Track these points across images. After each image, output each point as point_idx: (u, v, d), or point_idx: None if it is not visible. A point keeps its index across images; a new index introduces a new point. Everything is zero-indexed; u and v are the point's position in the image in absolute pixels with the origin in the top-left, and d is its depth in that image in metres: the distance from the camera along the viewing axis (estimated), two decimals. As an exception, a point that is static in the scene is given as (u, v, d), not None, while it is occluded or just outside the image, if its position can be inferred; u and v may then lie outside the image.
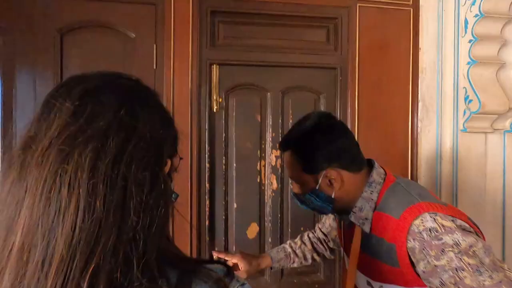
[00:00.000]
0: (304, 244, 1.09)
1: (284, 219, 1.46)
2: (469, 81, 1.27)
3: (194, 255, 1.36)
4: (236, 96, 1.43)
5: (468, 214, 0.75)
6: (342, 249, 0.95)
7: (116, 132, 0.36)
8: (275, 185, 1.45)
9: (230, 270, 0.43)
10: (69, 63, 1.30)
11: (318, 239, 1.10)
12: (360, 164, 0.79)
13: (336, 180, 0.76)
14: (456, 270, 0.65)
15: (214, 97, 1.40)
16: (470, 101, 1.27)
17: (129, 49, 1.33)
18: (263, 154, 1.45)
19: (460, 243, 0.66)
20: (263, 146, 1.45)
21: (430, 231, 0.67)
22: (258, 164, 1.45)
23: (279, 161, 1.46)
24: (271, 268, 1.07)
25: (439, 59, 1.38)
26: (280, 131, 1.45)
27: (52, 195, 0.33)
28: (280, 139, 1.45)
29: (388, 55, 1.48)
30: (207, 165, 1.39)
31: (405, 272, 0.70)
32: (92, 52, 1.31)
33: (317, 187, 0.76)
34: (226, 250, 1.43)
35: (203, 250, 1.39)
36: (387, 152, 1.47)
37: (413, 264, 0.69)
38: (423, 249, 0.67)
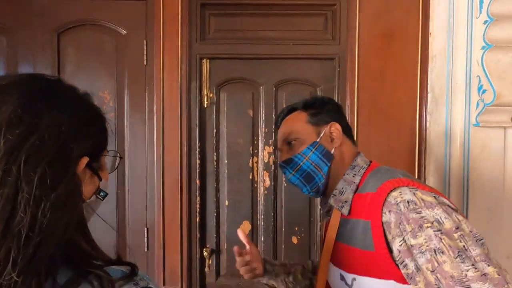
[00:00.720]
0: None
1: (278, 217, 1.41)
2: (483, 69, 1.12)
3: (185, 253, 1.36)
4: (227, 90, 1.40)
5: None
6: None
7: (12, 129, 0.36)
8: (267, 182, 1.40)
9: (133, 272, 0.42)
10: (66, 61, 1.35)
11: None
12: (354, 140, 0.82)
13: (338, 136, 0.76)
14: (435, 252, 0.56)
15: (205, 92, 1.37)
16: (484, 91, 1.12)
17: (120, 46, 1.35)
18: (255, 151, 1.40)
19: (442, 221, 0.58)
20: (255, 142, 1.40)
21: (408, 203, 0.61)
22: (251, 160, 1.40)
23: (272, 157, 1.40)
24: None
25: (450, 44, 1.23)
26: (273, 126, 1.39)
27: None
28: (273, 135, 1.39)
29: (393, 43, 1.35)
30: (197, 161, 1.37)
31: (380, 258, 0.63)
32: (86, 49, 1.35)
33: (318, 140, 0.76)
34: (217, 247, 1.41)
35: (193, 247, 1.38)
36: (390, 150, 1.34)
37: (389, 246, 0.62)
38: (400, 223, 0.60)
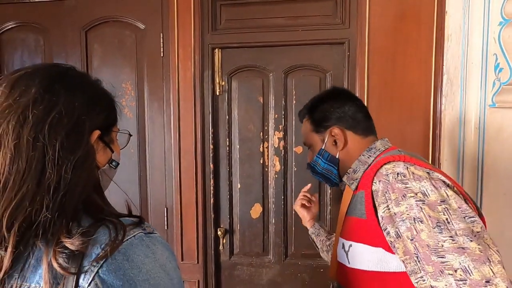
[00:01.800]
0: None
1: (288, 200, 1.45)
2: (500, 46, 1.06)
3: (200, 232, 1.46)
4: (238, 78, 1.45)
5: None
6: None
7: (37, 105, 0.45)
8: (278, 166, 1.45)
9: (141, 221, 0.50)
10: (93, 56, 1.49)
11: None
12: (366, 130, 0.81)
13: (340, 139, 0.79)
14: (414, 221, 0.58)
15: (217, 81, 1.44)
16: (501, 70, 1.07)
17: (139, 39, 1.46)
18: (266, 136, 1.45)
19: (428, 193, 0.59)
20: (265, 128, 1.45)
21: (397, 174, 0.63)
22: (261, 146, 1.45)
23: (282, 143, 1.44)
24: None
25: (465, 22, 1.17)
26: (283, 112, 1.43)
27: None
28: (282, 121, 1.43)
29: (405, 24, 1.31)
30: (211, 146, 1.45)
31: (370, 225, 0.66)
32: (110, 45, 1.47)
33: (323, 146, 0.82)
34: (230, 228, 1.49)
35: (208, 227, 1.47)
36: (402, 135, 1.32)
37: (376, 213, 0.65)
38: (386, 192, 0.63)
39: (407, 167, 0.63)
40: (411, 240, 0.58)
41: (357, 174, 0.76)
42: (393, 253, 0.63)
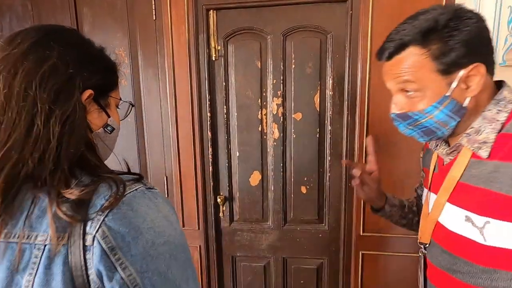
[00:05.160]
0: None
1: (287, 167, 1.44)
2: (516, -2, 0.97)
3: (200, 199, 1.47)
4: (235, 42, 1.39)
5: None
6: (427, 193, 0.76)
7: (28, 58, 0.46)
8: (276, 134, 1.42)
9: (141, 177, 0.51)
10: (83, 21, 1.43)
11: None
12: (493, 67, 0.61)
13: (478, 84, 0.58)
14: None
15: (213, 45, 1.38)
16: (514, 25, 0.98)
17: (131, 2, 1.38)
18: (264, 103, 1.41)
19: None
20: (264, 94, 1.40)
21: None
22: (259, 113, 1.42)
23: (280, 109, 1.40)
24: (377, 210, 0.89)
25: (479, -27, 1.07)
26: (281, 77, 1.38)
27: None
28: (281, 86, 1.38)
29: (414, -23, 1.20)
30: (208, 114, 1.42)
31: None
32: (99, 8, 1.40)
33: (448, 93, 0.59)
34: (230, 195, 1.50)
35: (208, 195, 1.48)
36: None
37: None
38: None
39: None
40: None
41: (483, 136, 0.60)
42: None
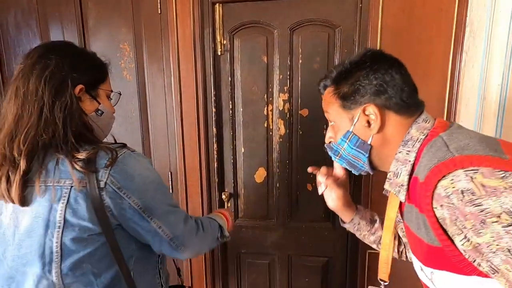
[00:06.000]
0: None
1: (293, 164, 1.42)
2: (535, -9, 0.93)
3: (205, 196, 1.46)
4: (241, 36, 1.36)
5: None
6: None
7: (36, 65, 0.69)
8: (282, 130, 1.40)
9: (125, 145, 0.75)
10: (88, 16, 1.41)
11: None
12: (411, 107, 0.64)
13: (375, 120, 0.63)
14: (509, 252, 0.46)
15: (218, 39, 1.36)
16: (533, 19, 0.94)
17: (135, -5, 1.36)
18: (270, 98, 1.39)
19: None
20: (270, 90, 1.38)
21: (462, 193, 0.48)
22: (265, 108, 1.39)
23: (286, 105, 1.38)
24: (344, 222, 0.89)
25: (496, -37, 1.02)
26: (288, 72, 1.35)
27: (11, 98, 0.69)
28: (288, 82, 1.35)
29: (426, -32, 1.16)
30: (213, 109, 1.40)
31: (450, 254, 0.54)
32: (105, 2, 1.39)
33: (351, 129, 0.66)
34: (235, 191, 1.48)
35: (213, 191, 1.47)
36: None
37: (451, 239, 0.53)
38: (456, 219, 0.50)
39: (471, 177, 0.48)
40: None
41: (401, 179, 0.63)
42: (490, 277, 0.52)
